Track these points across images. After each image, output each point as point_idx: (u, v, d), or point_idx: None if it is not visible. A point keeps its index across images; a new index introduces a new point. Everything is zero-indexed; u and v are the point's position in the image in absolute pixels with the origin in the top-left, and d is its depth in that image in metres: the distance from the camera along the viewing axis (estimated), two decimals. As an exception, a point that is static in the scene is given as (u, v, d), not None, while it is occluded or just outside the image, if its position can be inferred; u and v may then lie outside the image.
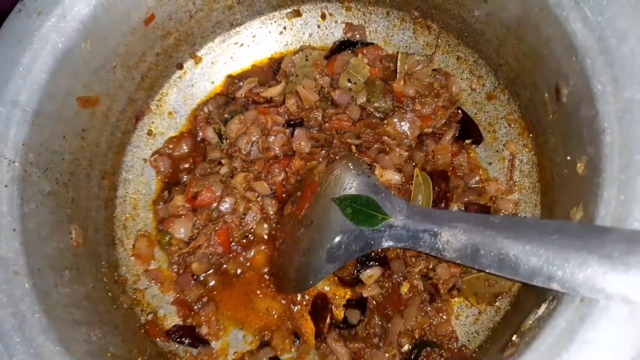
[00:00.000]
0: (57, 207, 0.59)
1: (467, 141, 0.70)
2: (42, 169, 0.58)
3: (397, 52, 0.72)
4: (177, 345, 0.65)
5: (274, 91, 0.72)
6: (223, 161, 0.69)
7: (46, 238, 0.57)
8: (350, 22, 0.76)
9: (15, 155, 0.55)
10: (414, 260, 0.64)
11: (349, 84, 0.71)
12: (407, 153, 0.68)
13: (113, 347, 0.57)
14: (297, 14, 0.77)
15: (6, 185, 0.54)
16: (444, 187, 0.67)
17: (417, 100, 0.69)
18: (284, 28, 0.77)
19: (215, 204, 0.67)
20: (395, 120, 0.68)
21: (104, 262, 0.65)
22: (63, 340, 0.51)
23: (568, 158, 0.55)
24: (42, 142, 0.58)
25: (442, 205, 0.66)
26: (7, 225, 0.53)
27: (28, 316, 0.50)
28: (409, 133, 0.68)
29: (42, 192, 0.58)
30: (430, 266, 0.64)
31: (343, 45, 0.74)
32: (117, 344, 0.58)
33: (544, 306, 0.49)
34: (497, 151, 0.69)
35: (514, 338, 0.50)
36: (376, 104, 0.70)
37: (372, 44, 0.74)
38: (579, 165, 0.52)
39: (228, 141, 0.71)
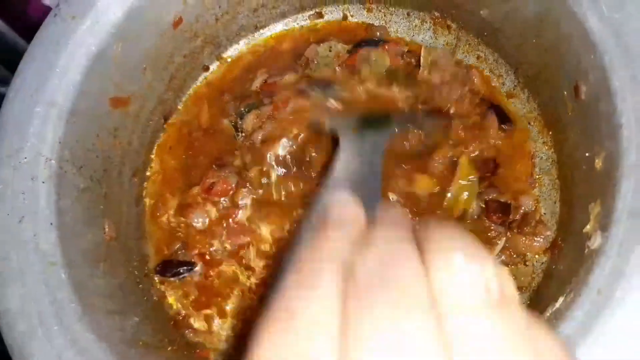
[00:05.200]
0: (91, 202, 0.62)
1: (503, 126, 0.69)
2: (77, 166, 0.61)
3: (421, 47, 0.73)
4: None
5: (290, 79, 0.73)
6: (236, 152, 0.71)
7: (81, 232, 0.59)
8: (371, 23, 0.77)
9: (52, 153, 0.58)
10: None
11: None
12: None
13: (145, 336, 0.60)
14: (320, 15, 0.78)
15: (43, 182, 0.57)
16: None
17: (443, 86, 0.69)
18: (307, 30, 0.79)
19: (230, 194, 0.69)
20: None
21: (134, 256, 0.67)
22: (97, 328, 0.53)
23: (587, 154, 0.56)
24: (77, 141, 0.60)
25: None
26: (45, 220, 0.56)
27: (65, 305, 0.53)
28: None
29: (77, 189, 0.60)
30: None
31: (364, 42, 0.75)
32: (149, 333, 0.61)
33: (561, 299, 0.50)
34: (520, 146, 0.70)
35: (532, 330, 0.51)
36: (400, 90, 0.70)
37: (393, 40, 0.75)
38: (597, 161, 0.53)
39: (243, 134, 0.72)
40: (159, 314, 0.66)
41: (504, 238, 0.64)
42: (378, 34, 0.76)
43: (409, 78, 0.70)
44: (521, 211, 0.66)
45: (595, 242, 0.49)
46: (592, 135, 0.55)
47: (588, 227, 0.52)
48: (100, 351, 0.52)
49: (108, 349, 0.53)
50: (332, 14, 0.78)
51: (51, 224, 0.56)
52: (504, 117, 0.70)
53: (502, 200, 0.66)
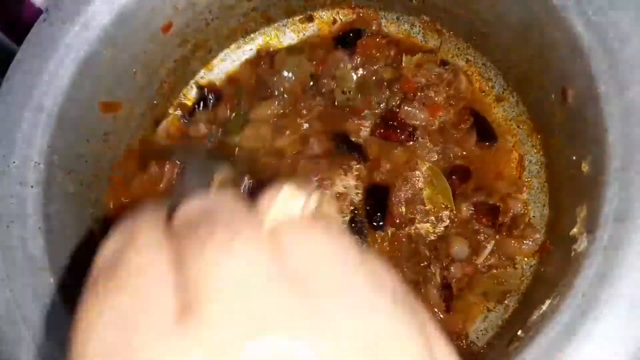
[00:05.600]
0: (81, 207, 0.62)
1: (486, 143, 0.70)
2: (67, 171, 0.60)
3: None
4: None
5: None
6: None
7: (70, 237, 0.59)
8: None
9: (41, 158, 0.58)
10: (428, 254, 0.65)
11: (345, 95, 0.72)
12: None
13: (133, 341, 0.59)
14: (310, 19, 0.79)
15: (32, 186, 0.57)
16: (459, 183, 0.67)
17: (429, 88, 0.69)
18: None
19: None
20: (407, 108, 0.68)
21: (124, 261, 0.67)
22: (86, 333, 0.53)
23: (574, 158, 0.56)
24: (67, 145, 0.60)
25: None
26: (33, 225, 0.56)
27: (53, 310, 0.53)
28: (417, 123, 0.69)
29: (66, 193, 0.60)
30: (444, 264, 0.65)
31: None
32: (137, 338, 0.61)
33: (547, 302, 0.50)
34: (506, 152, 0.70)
35: (519, 333, 0.52)
36: (376, 99, 0.71)
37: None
38: (583, 164, 0.53)
39: (238, 148, 0.72)
40: (149, 319, 0.66)
41: (493, 241, 0.65)
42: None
43: (379, 85, 0.70)
44: (510, 214, 0.67)
45: (581, 245, 0.49)
46: (579, 138, 0.56)
47: (574, 230, 0.52)
48: (88, 356, 0.52)
49: (96, 354, 0.53)
50: (322, 18, 0.78)
51: (40, 228, 0.56)
52: (488, 133, 0.69)
53: (490, 202, 0.67)
